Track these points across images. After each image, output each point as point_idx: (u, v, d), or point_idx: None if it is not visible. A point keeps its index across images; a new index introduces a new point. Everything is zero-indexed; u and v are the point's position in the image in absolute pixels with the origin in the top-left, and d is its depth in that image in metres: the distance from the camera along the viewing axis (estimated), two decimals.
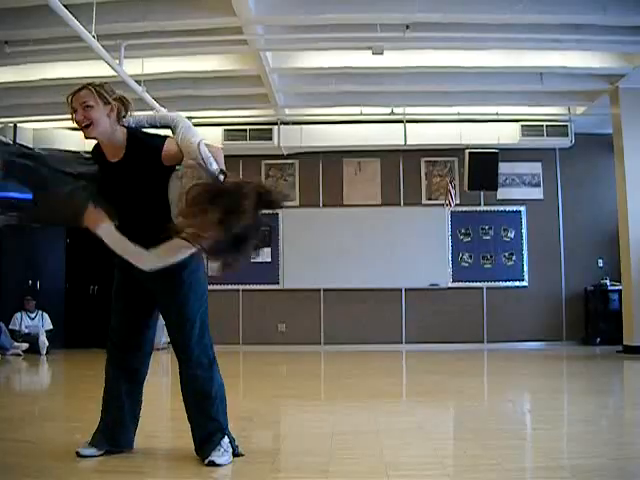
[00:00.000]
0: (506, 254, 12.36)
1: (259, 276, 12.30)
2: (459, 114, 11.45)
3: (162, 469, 3.67)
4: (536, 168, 12.45)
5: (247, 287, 12.45)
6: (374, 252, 12.28)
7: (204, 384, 3.78)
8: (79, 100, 3.50)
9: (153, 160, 3.55)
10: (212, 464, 3.58)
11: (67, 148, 12.13)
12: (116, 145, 3.59)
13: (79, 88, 3.56)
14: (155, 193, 3.61)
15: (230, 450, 3.71)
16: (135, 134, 3.65)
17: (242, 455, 3.75)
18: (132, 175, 3.57)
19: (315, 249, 12.40)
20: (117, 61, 8.01)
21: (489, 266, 12.37)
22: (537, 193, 12.46)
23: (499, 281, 12.31)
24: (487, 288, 12.33)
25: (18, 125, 11.65)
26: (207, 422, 3.73)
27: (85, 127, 3.50)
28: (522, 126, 11.66)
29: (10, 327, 11.22)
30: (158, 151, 3.54)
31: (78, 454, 3.73)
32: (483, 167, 11.39)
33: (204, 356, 3.82)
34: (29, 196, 12.25)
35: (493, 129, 11.82)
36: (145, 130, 3.77)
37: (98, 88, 3.55)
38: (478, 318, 12.26)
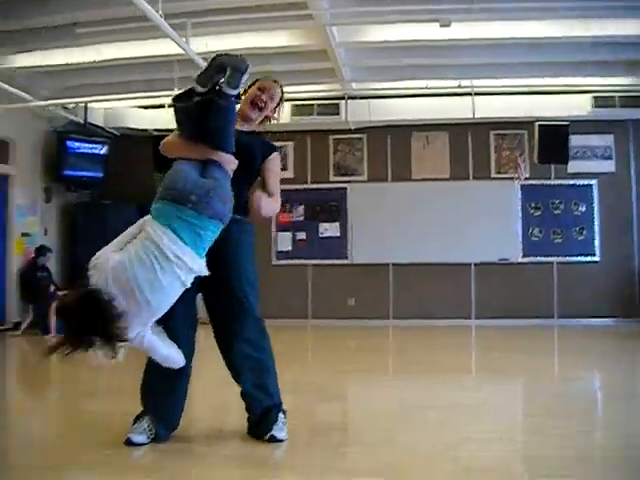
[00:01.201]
0: (577, 228, 12.14)
1: (328, 251, 12.38)
2: (528, 86, 11.24)
3: (223, 447, 3.74)
4: (608, 140, 12.15)
5: (316, 262, 12.51)
6: (443, 226, 12.19)
7: (262, 359, 3.82)
8: (271, 89, 4.04)
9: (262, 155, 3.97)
10: (273, 439, 3.64)
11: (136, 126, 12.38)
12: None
13: (276, 80, 4.13)
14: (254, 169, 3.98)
15: (286, 424, 3.78)
16: (260, 136, 4.08)
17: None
18: (250, 148, 3.90)
19: (384, 224, 12.38)
20: (184, 39, 8.08)
21: (560, 241, 12.17)
22: (609, 166, 12.16)
23: (570, 256, 12.10)
24: (558, 263, 12.14)
25: (89, 105, 11.86)
26: (265, 398, 3.78)
27: (257, 107, 3.99)
28: (594, 97, 11.37)
29: None
30: (268, 152, 3.99)
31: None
32: (553, 140, 11.15)
33: (261, 328, 3.85)
34: (101, 173, 12.59)
35: (563, 101, 11.55)
36: None
37: (283, 94, 4.13)
38: (548, 293, 12.09)
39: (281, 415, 3.78)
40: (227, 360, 3.85)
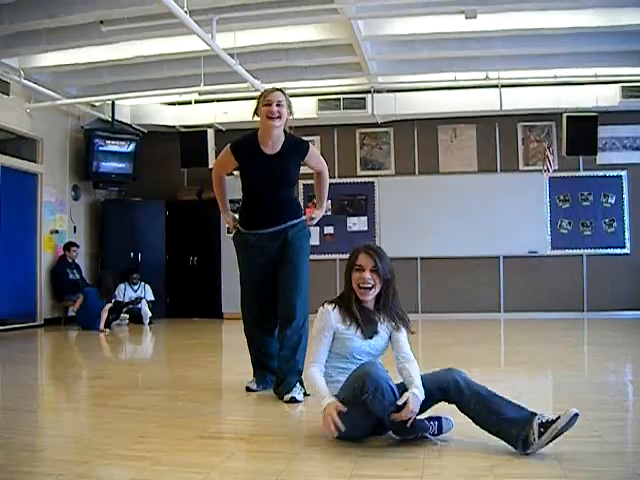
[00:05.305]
0: (606, 220, 12.02)
1: (355, 245, 12.35)
2: (556, 77, 11.12)
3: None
4: (637, 131, 11.98)
5: (344, 256, 12.46)
6: (471, 219, 12.14)
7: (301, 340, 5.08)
8: (276, 97, 4.64)
9: (299, 157, 4.86)
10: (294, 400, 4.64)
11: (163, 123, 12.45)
12: (278, 141, 4.74)
13: (276, 89, 4.74)
14: (292, 178, 4.91)
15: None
16: (291, 136, 4.83)
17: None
18: (284, 164, 4.77)
19: (411, 217, 12.35)
20: (210, 35, 8.11)
21: (589, 233, 12.06)
22: (638, 157, 12.01)
23: (599, 248, 12.00)
24: (587, 255, 12.04)
25: (116, 102, 11.94)
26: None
27: (275, 118, 4.60)
28: (622, 87, 11.22)
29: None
30: (305, 152, 4.87)
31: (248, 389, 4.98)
32: (582, 131, 11.04)
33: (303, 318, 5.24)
34: (129, 170, 12.67)
35: (592, 91, 11.43)
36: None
37: (287, 96, 4.74)
38: (578, 286, 12.00)
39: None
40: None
